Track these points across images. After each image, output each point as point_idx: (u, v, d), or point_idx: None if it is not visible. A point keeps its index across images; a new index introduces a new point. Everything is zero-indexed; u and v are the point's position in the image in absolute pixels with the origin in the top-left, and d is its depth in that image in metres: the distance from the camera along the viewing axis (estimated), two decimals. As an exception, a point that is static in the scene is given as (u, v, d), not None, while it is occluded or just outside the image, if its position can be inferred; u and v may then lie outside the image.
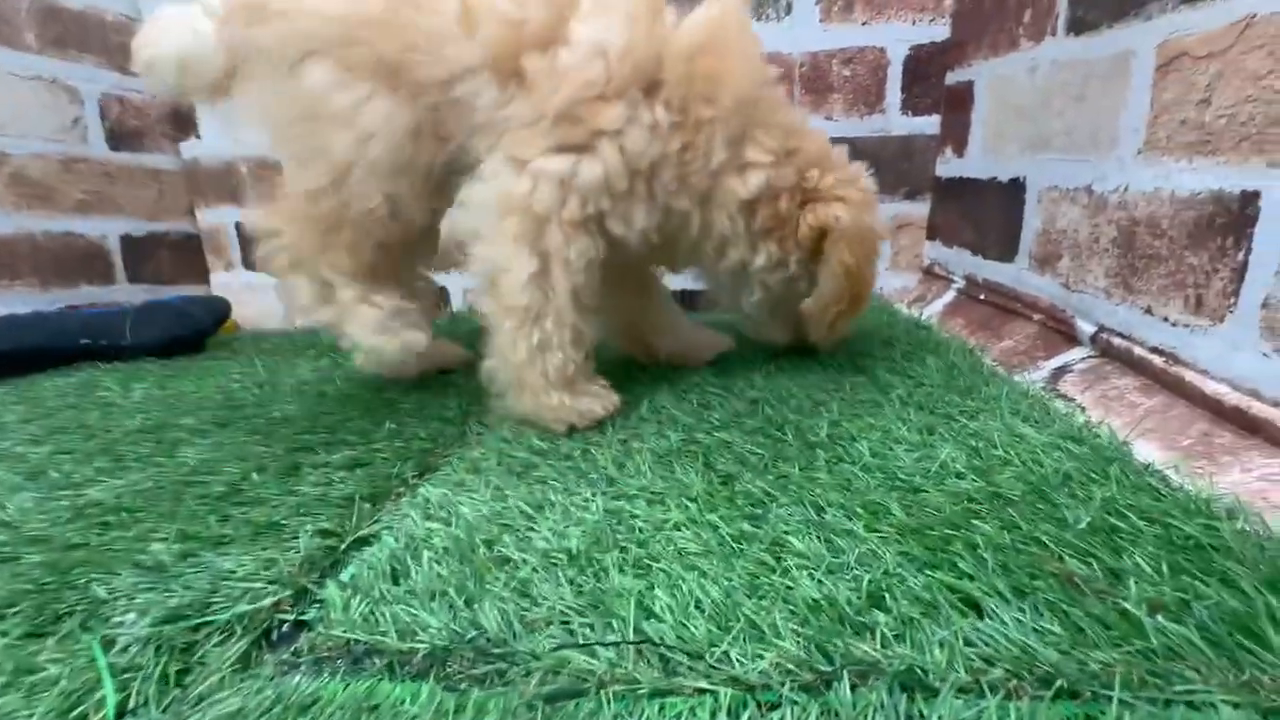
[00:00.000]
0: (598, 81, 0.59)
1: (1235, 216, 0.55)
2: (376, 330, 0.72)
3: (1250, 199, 0.54)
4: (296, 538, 0.45)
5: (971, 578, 0.35)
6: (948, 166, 1.14)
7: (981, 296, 1.01)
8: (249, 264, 1.46)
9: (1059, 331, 0.82)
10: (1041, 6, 0.85)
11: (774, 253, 0.71)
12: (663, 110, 0.61)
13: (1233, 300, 0.56)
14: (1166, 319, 0.64)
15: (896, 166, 1.17)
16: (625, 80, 0.60)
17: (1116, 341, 0.70)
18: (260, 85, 0.65)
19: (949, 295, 1.12)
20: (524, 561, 0.40)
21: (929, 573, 0.36)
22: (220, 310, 1.17)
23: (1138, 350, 0.67)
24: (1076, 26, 0.78)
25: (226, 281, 1.48)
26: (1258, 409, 0.52)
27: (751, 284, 0.74)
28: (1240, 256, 0.55)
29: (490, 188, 0.61)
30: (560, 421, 0.64)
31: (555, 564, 0.40)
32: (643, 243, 0.65)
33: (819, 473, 0.50)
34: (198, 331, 1.07)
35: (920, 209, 1.20)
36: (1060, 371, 0.75)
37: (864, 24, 1.11)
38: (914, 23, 1.10)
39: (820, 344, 0.80)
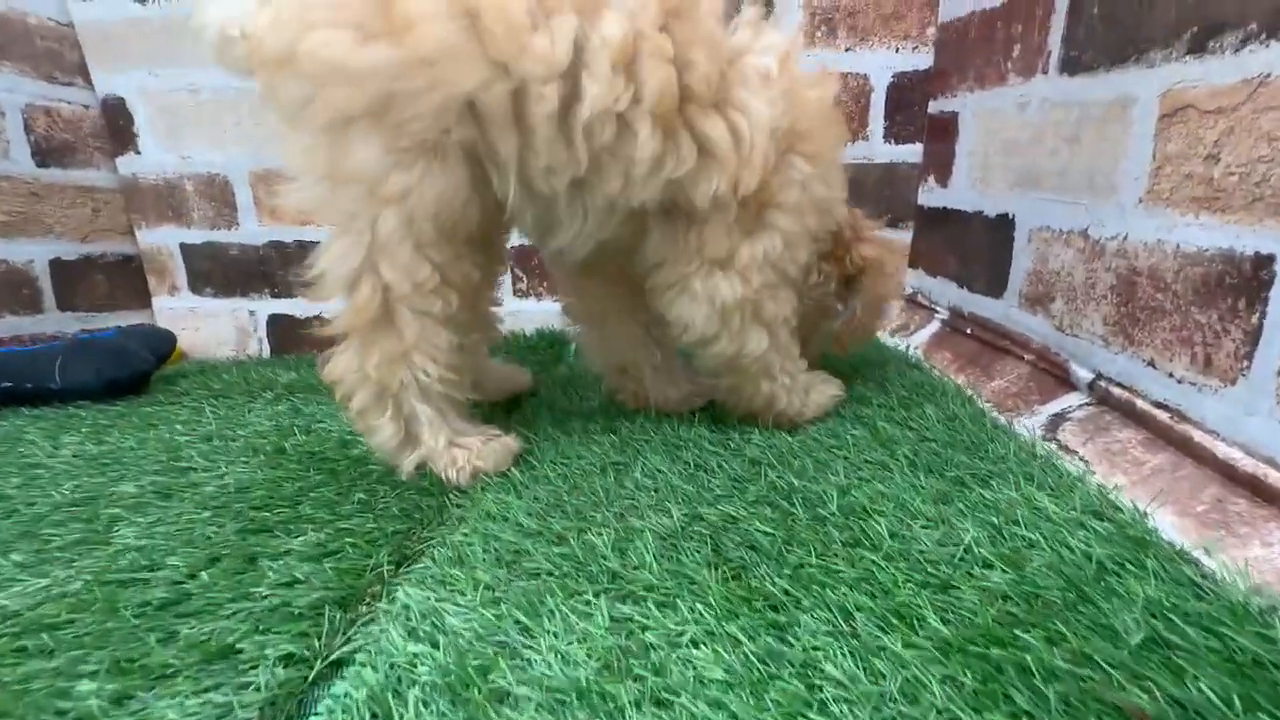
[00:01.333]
0: (770, 159, 0.60)
1: (1248, 278, 0.54)
2: (470, 469, 0.64)
3: (1265, 262, 0.52)
4: (255, 667, 0.38)
5: (1032, 717, 0.32)
6: (930, 195, 1.12)
7: (968, 330, 1.00)
8: (196, 286, 1.35)
9: (1051, 374, 0.81)
10: (1032, 43, 0.84)
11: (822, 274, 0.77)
12: (800, 161, 0.64)
13: (1245, 364, 0.54)
14: (1171, 374, 0.62)
15: (879, 194, 1.16)
16: (779, 151, 0.62)
17: (1116, 391, 0.69)
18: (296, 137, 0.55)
19: (933, 326, 1.11)
20: (526, 700, 0.35)
21: (986, 715, 0.32)
22: (164, 344, 1.07)
23: (1140, 403, 0.66)
24: (1070, 66, 0.76)
25: (171, 307, 1.37)
26: (1275, 479, 0.51)
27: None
28: (1254, 320, 0.53)
29: (713, 307, 0.65)
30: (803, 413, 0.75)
31: (563, 702, 0.35)
32: None
33: (838, 561, 0.47)
34: (138, 372, 0.98)
35: (903, 237, 1.18)
36: (1058, 419, 0.74)
37: (848, 50, 1.08)
38: (897, 50, 1.08)
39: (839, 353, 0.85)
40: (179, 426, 0.83)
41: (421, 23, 0.48)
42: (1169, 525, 0.53)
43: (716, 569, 0.47)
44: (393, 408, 0.62)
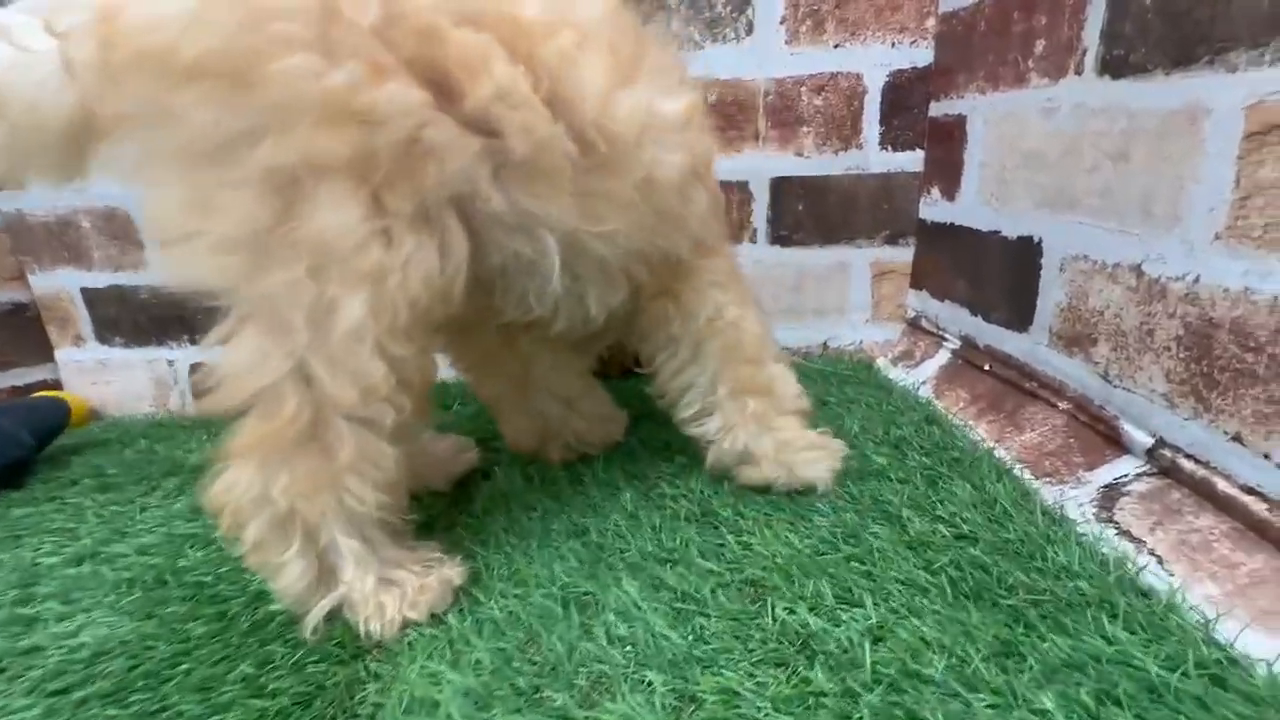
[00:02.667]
0: None
1: (1388, 351, 0.42)
2: (400, 621, 0.50)
3: None
4: None
5: None
6: (934, 209, 1.00)
7: (986, 366, 0.88)
8: (103, 336, 1.18)
9: (1094, 430, 0.68)
10: (1060, 38, 0.70)
11: None
12: None
13: (1386, 460, 0.42)
14: (1268, 456, 0.50)
15: (876, 209, 1.03)
16: None
17: (1187, 465, 0.57)
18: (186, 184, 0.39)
19: (942, 356, 0.98)
20: None
21: None
22: (49, 420, 0.91)
23: (1222, 485, 0.53)
24: (1115, 68, 0.63)
25: (77, 359, 1.20)
26: None
27: None
28: (1399, 406, 0.41)
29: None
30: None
31: None
32: None
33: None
34: (11, 461, 0.81)
35: (903, 255, 1.05)
36: (1112, 492, 0.62)
37: (836, 46, 0.95)
38: (893, 45, 0.95)
39: None
40: (47, 542, 0.67)
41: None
42: (1301, 679, 0.40)
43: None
44: (301, 540, 0.47)
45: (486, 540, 0.61)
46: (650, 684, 0.42)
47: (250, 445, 0.44)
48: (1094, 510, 0.61)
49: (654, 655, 0.45)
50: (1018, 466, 0.70)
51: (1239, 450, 0.53)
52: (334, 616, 0.50)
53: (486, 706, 0.42)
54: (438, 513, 0.66)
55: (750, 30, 0.94)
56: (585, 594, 0.52)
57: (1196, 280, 0.56)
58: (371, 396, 0.44)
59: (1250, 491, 0.52)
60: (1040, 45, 0.74)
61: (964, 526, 0.57)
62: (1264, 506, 0.50)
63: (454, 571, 0.53)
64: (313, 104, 0.36)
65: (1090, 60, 0.66)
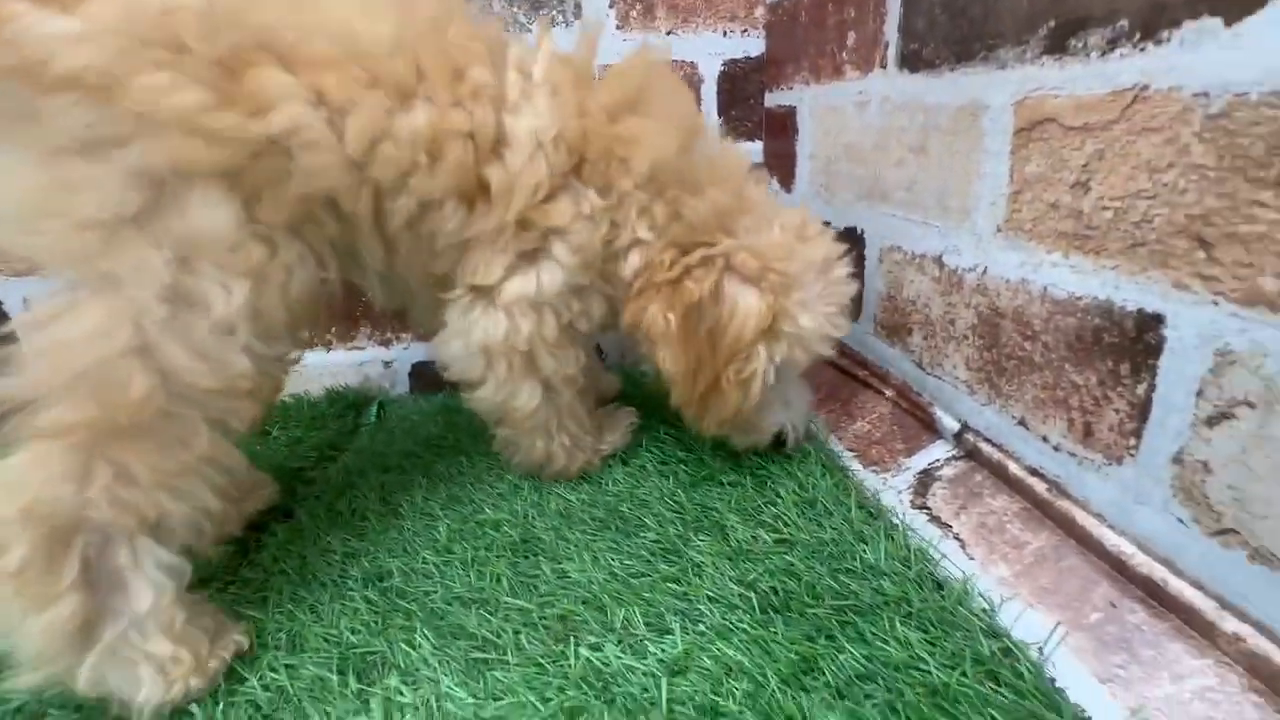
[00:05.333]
0: (544, 179, 0.53)
1: (1131, 339, 0.44)
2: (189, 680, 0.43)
3: (1151, 323, 0.42)
4: None
5: None
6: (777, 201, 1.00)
7: (826, 356, 0.89)
8: None
9: (914, 416, 0.71)
10: (868, 31, 0.71)
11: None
12: (592, 192, 0.56)
13: (1133, 442, 0.45)
14: (1046, 439, 0.53)
15: (721, 200, 1.01)
16: (563, 167, 0.54)
17: (986, 449, 0.59)
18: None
19: (790, 346, 1.00)
20: None
21: None
22: None
23: (1013, 467, 0.56)
24: (912, 62, 0.64)
25: None
26: (1176, 587, 0.42)
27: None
28: (1140, 391, 0.44)
29: (468, 342, 0.58)
30: (590, 465, 0.69)
31: None
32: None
33: None
34: None
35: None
36: (926, 478, 0.64)
37: (669, 33, 0.92)
38: (725, 34, 0.93)
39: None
40: None
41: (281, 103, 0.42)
42: (1068, 660, 0.42)
43: None
44: (81, 568, 0.39)
45: (268, 597, 0.52)
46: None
47: (70, 427, 0.39)
48: (910, 496, 0.62)
49: (433, 723, 0.39)
50: (847, 456, 0.71)
51: (1023, 433, 0.55)
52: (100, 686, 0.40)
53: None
54: (219, 565, 0.57)
55: (579, 13, 0.89)
56: (370, 655, 0.46)
57: (985, 271, 0.57)
58: (233, 392, 0.44)
59: (1034, 473, 0.54)
60: (852, 38, 0.74)
61: (784, 530, 0.56)
62: (1044, 487, 0.53)
63: (244, 643, 0.47)
64: (170, 117, 0.39)
65: (892, 54, 0.67)
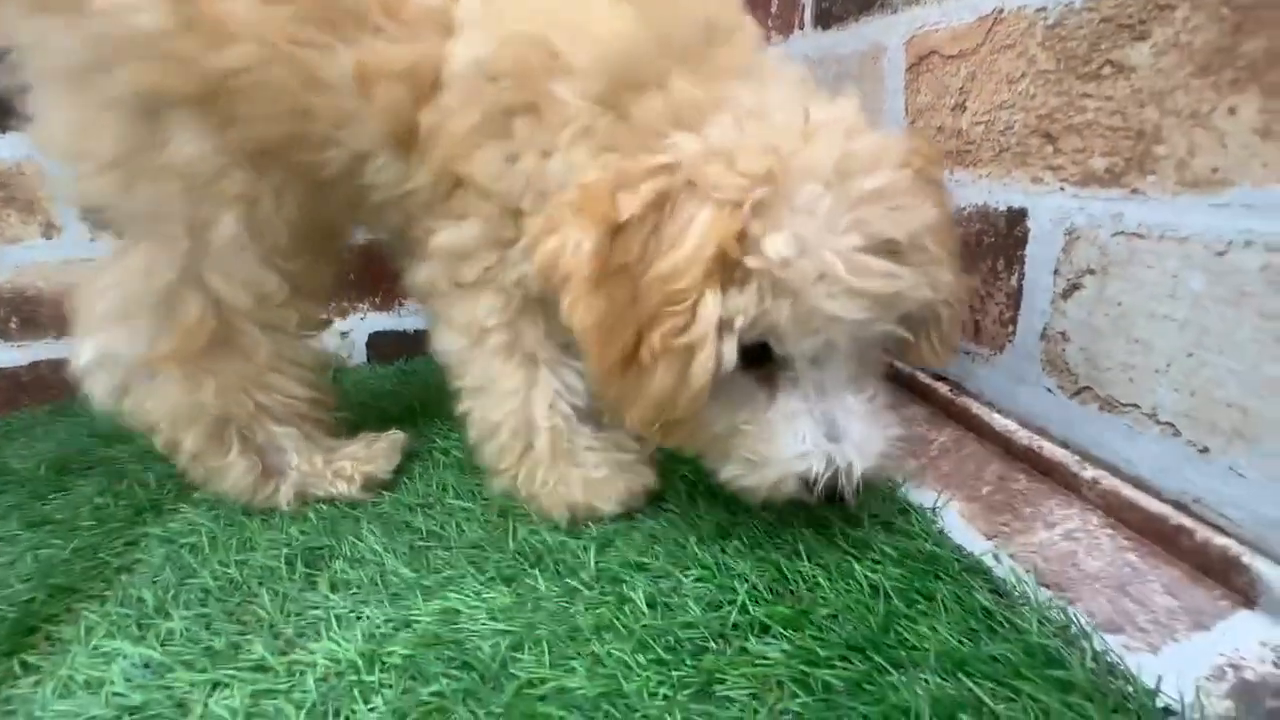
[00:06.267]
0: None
1: (1004, 236, 0.50)
2: (361, 477, 0.56)
3: (1018, 218, 0.48)
4: None
5: None
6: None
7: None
8: None
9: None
10: (787, -3, 0.77)
11: None
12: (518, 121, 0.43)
13: (1011, 329, 0.50)
14: (947, 345, 0.58)
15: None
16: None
17: (897, 364, 0.65)
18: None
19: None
20: None
21: None
22: None
23: (921, 376, 0.61)
24: (824, 19, 0.70)
25: None
26: (1049, 451, 0.47)
27: None
28: (1014, 281, 0.49)
29: (444, 335, 0.51)
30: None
31: None
32: None
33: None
34: None
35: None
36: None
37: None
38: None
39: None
40: None
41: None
42: (958, 520, 0.47)
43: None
44: (239, 441, 0.52)
45: (219, 514, 0.54)
46: (364, 618, 0.40)
47: (166, 355, 0.48)
48: (836, 417, 0.67)
49: (375, 593, 0.42)
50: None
51: (929, 344, 0.61)
52: (304, 497, 0.54)
53: (165, 672, 0.37)
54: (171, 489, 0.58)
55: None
56: (318, 550, 0.48)
57: (891, 201, 0.63)
58: (268, 303, 0.49)
59: (938, 378, 0.60)
60: (775, 4, 0.80)
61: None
62: (946, 389, 0.58)
63: (401, 436, 0.60)
64: (132, 40, 0.40)
65: (809, 15, 0.73)
